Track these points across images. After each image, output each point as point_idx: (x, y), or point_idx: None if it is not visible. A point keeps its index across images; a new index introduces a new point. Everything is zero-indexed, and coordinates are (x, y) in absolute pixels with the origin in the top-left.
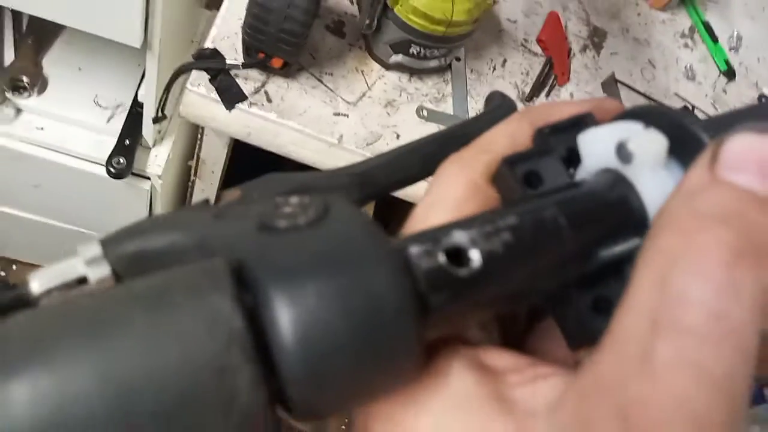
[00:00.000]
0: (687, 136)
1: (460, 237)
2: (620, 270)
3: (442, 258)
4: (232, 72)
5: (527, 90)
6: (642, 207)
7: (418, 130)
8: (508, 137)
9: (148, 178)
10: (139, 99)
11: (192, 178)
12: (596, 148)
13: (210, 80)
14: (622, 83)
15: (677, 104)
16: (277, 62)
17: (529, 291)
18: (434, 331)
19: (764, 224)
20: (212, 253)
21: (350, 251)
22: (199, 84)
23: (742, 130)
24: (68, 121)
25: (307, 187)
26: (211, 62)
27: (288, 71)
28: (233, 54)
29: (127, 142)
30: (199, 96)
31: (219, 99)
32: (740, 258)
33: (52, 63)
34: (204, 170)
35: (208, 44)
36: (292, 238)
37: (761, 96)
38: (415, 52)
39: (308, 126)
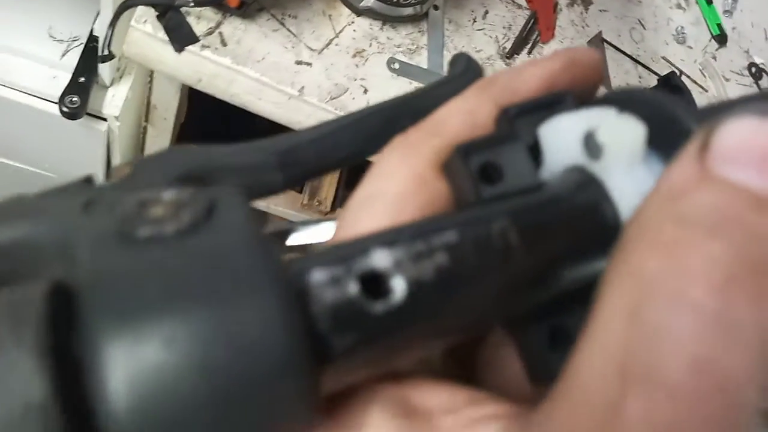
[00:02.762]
0: (671, 123)
1: (380, 259)
2: (587, 295)
3: (353, 288)
4: (183, 9)
5: (508, 46)
6: (615, 215)
7: (388, 84)
8: (464, 117)
9: (105, 120)
10: (95, 33)
11: (143, 123)
12: (560, 140)
13: (157, 17)
14: (609, 44)
15: (665, 69)
16: (233, 1)
17: (467, 326)
18: (339, 381)
19: (766, 235)
20: (70, 258)
21: (222, 278)
22: (145, 21)
23: (738, 114)
24: (19, 54)
25: (214, 167)
26: None
27: (246, 11)
28: None
29: (82, 79)
30: (144, 34)
31: (167, 39)
32: (735, 283)
33: None
34: (155, 116)
35: None
36: (149, 255)
37: (751, 64)
38: None
39: (266, 74)
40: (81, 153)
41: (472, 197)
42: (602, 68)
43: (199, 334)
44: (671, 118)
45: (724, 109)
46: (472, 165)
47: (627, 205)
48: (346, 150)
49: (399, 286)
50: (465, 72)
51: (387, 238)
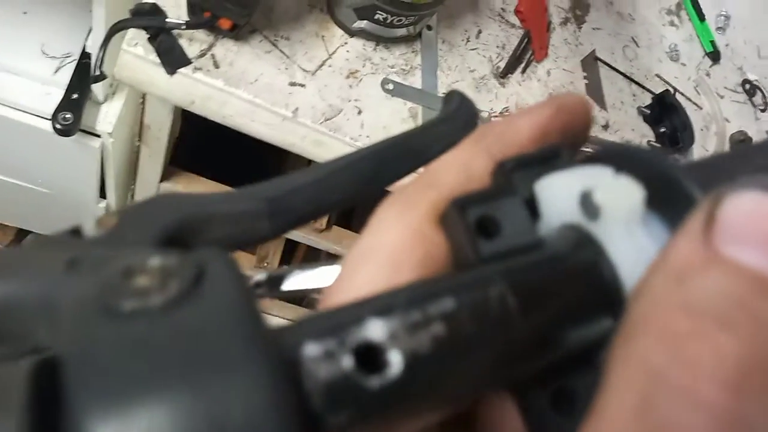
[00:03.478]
0: (669, 186)
1: (375, 330)
2: (587, 358)
3: (348, 362)
4: (175, 32)
5: (502, 65)
6: (615, 277)
7: (382, 105)
8: (459, 169)
9: (99, 136)
10: (87, 50)
11: (136, 142)
12: (556, 198)
13: (149, 40)
14: (603, 62)
15: (659, 86)
16: (225, 23)
17: (466, 396)
18: None
19: None
20: (57, 318)
21: (210, 356)
22: (136, 43)
23: (744, 186)
24: (11, 70)
25: (201, 218)
26: (149, 20)
27: (239, 33)
28: (177, 11)
29: (75, 96)
30: (135, 57)
31: (159, 61)
32: (748, 380)
33: None
34: (149, 136)
35: None
36: (133, 331)
37: (745, 81)
38: (381, 19)
39: (259, 96)
40: (75, 169)
41: (469, 251)
42: (589, 112)
43: (183, 420)
44: (669, 179)
45: (722, 168)
46: (469, 219)
47: (626, 268)
48: (338, 195)
49: (395, 360)
50: (458, 109)
51: (381, 306)
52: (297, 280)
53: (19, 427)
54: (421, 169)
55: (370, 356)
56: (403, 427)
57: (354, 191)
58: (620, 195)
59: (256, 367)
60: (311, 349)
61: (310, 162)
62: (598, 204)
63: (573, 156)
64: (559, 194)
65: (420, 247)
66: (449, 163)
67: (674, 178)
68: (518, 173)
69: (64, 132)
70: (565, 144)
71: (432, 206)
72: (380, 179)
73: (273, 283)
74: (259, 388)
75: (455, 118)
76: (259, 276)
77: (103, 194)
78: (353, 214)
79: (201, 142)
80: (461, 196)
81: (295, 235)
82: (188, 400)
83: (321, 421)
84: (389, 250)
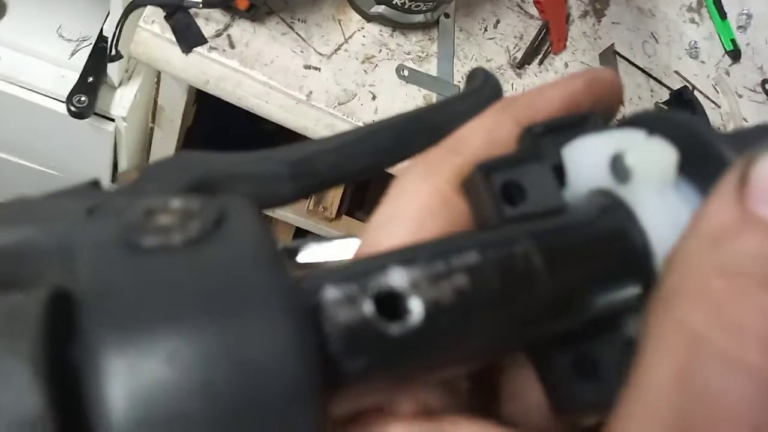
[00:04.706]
0: (703, 149)
1: (397, 278)
2: (613, 324)
3: (368, 307)
4: (192, 11)
5: (519, 55)
6: (645, 243)
7: (396, 91)
8: (485, 135)
9: (113, 120)
10: (104, 33)
11: (150, 124)
12: (585, 162)
13: (165, 18)
14: (621, 56)
15: (677, 83)
16: (242, 3)
17: (487, 352)
18: (349, 404)
19: None
20: (71, 264)
21: (229, 293)
22: (152, 21)
23: None
24: (28, 52)
25: (224, 176)
26: None
27: (255, 14)
28: None
29: (91, 79)
30: (152, 35)
31: (175, 40)
32: None
33: None
34: (162, 117)
35: None
36: (155, 266)
37: (764, 81)
38: (398, 4)
39: (274, 78)
40: (88, 153)
41: (493, 217)
42: (622, 89)
43: (203, 351)
44: (702, 142)
45: (755, 136)
46: (494, 184)
47: (658, 233)
48: (360, 163)
49: (416, 308)
50: (483, 87)
51: (404, 256)
52: (312, 253)
53: (34, 353)
54: None
55: (391, 303)
56: (422, 379)
57: (375, 161)
58: (653, 157)
59: (276, 306)
60: (332, 293)
61: None
62: (629, 166)
63: (602, 122)
64: (588, 158)
65: (444, 212)
66: (474, 129)
67: (706, 140)
68: (545, 138)
69: (79, 114)
70: (596, 112)
71: (456, 171)
72: (401, 151)
73: (288, 255)
74: (279, 326)
75: (479, 94)
76: None
77: (115, 179)
78: (363, 205)
79: (213, 134)
80: (486, 161)
81: (305, 223)
82: (208, 334)
83: (339, 365)
84: (413, 215)
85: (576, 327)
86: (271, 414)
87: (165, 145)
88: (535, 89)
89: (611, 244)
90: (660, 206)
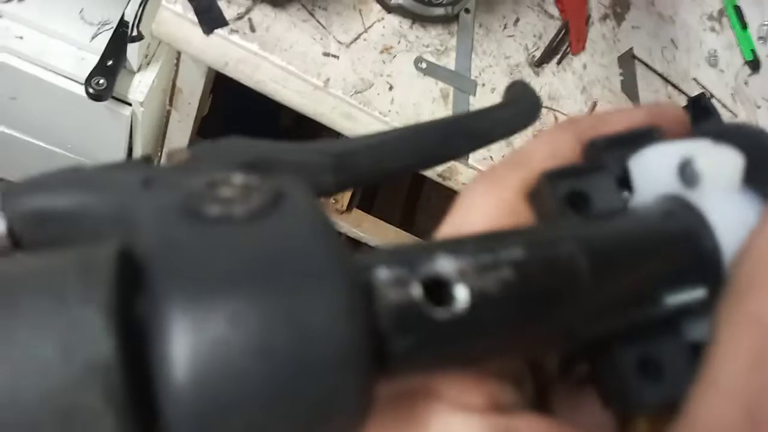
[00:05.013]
0: (766, 155)
1: (445, 265)
2: (676, 325)
3: (417, 290)
4: None
5: (537, 54)
6: (714, 244)
7: (413, 83)
8: (549, 150)
9: (130, 104)
10: (126, 18)
11: (167, 107)
12: (653, 169)
13: None
14: (640, 60)
15: (695, 90)
16: None
17: (533, 346)
18: (393, 382)
19: None
20: (130, 229)
21: (290, 263)
22: (175, 1)
23: None
24: (50, 33)
25: (271, 161)
26: None
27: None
28: None
29: (110, 62)
30: (174, 14)
31: (196, 21)
32: None
33: None
34: (180, 100)
35: None
36: (219, 234)
37: None
38: None
39: (292, 63)
40: (103, 136)
41: None
42: (688, 126)
43: (264, 316)
44: (766, 149)
45: None
46: (560, 192)
47: (728, 233)
48: (401, 161)
49: (462, 295)
50: (521, 97)
51: (453, 246)
52: None
53: (107, 300)
54: (482, 150)
55: (438, 289)
56: (466, 365)
57: (415, 160)
58: (722, 161)
59: (333, 277)
60: (383, 273)
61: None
62: (698, 171)
63: (664, 135)
64: (654, 166)
65: (511, 221)
66: (539, 144)
67: None
68: (610, 151)
69: (96, 97)
70: (658, 127)
71: (522, 184)
72: (441, 153)
73: None
74: (335, 295)
75: (517, 105)
76: None
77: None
78: (375, 198)
79: (228, 126)
80: (553, 170)
81: None
82: (268, 298)
83: (387, 342)
84: (481, 225)
85: (640, 326)
86: (323, 378)
87: (182, 128)
88: (600, 114)
89: (679, 245)
90: (729, 209)
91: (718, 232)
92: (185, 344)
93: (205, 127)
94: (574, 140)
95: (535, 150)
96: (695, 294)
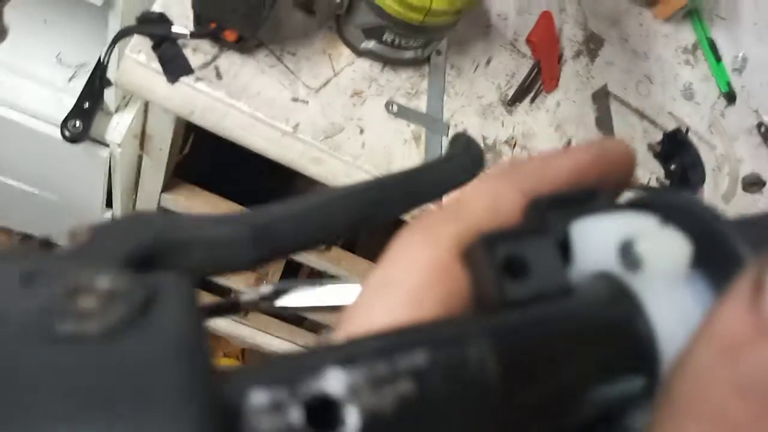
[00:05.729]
0: (717, 243)
1: (333, 382)
2: (612, 419)
3: (296, 416)
4: (180, 41)
5: (510, 93)
6: (651, 337)
7: (385, 125)
8: (488, 201)
9: (108, 146)
10: (102, 61)
11: (139, 152)
12: (594, 243)
13: (153, 48)
14: (615, 96)
15: (671, 124)
16: (230, 35)
17: None
18: None
19: None
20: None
21: (136, 393)
22: (139, 51)
23: None
24: (27, 76)
25: (173, 242)
26: (155, 27)
27: (244, 46)
28: (184, 21)
29: (87, 105)
30: (138, 64)
31: (161, 69)
32: None
33: (15, 11)
34: (151, 146)
35: (157, 7)
36: (64, 358)
37: (760, 124)
38: (389, 40)
39: (260, 109)
40: (82, 177)
41: (494, 292)
42: (634, 161)
43: None
44: (717, 235)
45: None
46: (497, 257)
47: (665, 329)
48: (330, 229)
49: (352, 419)
50: (465, 151)
51: (347, 354)
52: (302, 296)
53: None
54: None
55: (324, 412)
56: None
57: (347, 225)
58: (665, 248)
59: (186, 415)
60: (257, 397)
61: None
62: (639, 255)
63: (612, 200)
64: (596, 239)
65: (443, 282)
66: (477, 194)
67: (722, 235)
68: (552, 212)
69: (73, 139)
70: (604, 188)
71: (457, 239)
72: (376, 216)
73: (277, 296)
74: None
75: (461, 158)
76: (264, 288)
77: (110, 204)
78: (357, 238)
79: (213, 159)
80: (489, 232)
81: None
82: None
83: None
84: (411, 283)
85: (569, 423)
86: None
87: (154, 172)
88: (543, 156)
89: (614, 335)
90: (670, 301)
91: (657, 324)
92: None
93: (186, 165)
94: (514, 189)
95: (473, 200)
96: (632, 386)
